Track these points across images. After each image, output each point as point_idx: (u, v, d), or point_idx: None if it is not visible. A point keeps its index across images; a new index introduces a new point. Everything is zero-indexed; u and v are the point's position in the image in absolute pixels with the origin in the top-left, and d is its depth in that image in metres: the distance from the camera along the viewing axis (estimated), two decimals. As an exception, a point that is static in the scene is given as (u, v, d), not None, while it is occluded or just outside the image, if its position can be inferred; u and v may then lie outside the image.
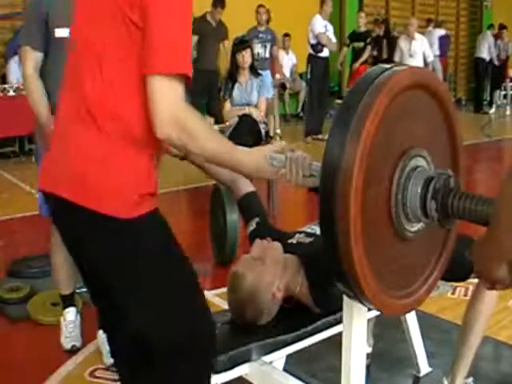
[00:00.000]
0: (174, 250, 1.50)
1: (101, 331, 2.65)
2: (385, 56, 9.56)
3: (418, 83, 1.28)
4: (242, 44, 4.75)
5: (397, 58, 8.63)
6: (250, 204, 2.11)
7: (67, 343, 2.73)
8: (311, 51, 8.40)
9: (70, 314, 2.79)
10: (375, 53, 9.53)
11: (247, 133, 4.49)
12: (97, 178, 1.39)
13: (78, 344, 2.74)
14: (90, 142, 1.40)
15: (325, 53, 8.36)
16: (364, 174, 1.15)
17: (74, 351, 2.72)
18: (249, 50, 4.73)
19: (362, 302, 1.29)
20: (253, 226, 2.06)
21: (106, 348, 2.61)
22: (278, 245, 1.89)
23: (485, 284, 1.16)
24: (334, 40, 8.50)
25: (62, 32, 2.41)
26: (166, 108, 1.32)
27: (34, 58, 2.45)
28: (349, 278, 1.22)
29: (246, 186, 2.12)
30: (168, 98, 1.32)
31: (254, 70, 4.80)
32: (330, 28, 8.46)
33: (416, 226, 1.30)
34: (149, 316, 1.45)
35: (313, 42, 8.32)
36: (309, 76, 8.63)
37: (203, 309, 1.55)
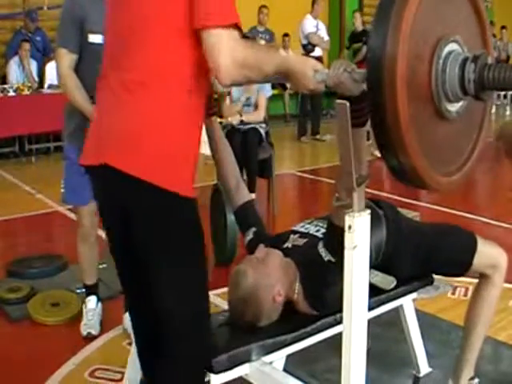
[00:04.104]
0: (202, 241, 1.57)
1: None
2: None
3: None
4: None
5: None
6: (247, 213, 2.12)
7: (84, 330, 2.85)
8: (303, 51, 8.41)
9: (91, 302, 2.94)
10: None
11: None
12: (154, 149, 1.42)
13: (94, 332, 2.85)
14: (145, 110, 1.44)
15: (317, 52, 8.35)
16: (407, 58, 1.25)
17: (89, 338, 2.83)
18: None
19: (410, 180, 1.37)
20: (250, 235, 2.06)
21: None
22: (279, 253, 1.91)
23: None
24: (326, 38, 8.49)
25: (95, 38, 2.51)
26: (229, 56, 1.36)
27: (69, 59, 2.56)
28: (399, 154, 1.31)
29: (246, 195, 2.13)
30: (228, 46, 1.36)
31: None
32: (322, 27, 8.45)
33: (456, 106, 1.40)
34: (174, 295, 1.51)
35: (304, 42, 8.32)
36: None
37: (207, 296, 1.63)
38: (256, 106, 4.82)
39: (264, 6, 8.33)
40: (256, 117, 4.71)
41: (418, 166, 1.33)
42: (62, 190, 2.81)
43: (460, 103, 1.41)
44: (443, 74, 1.34)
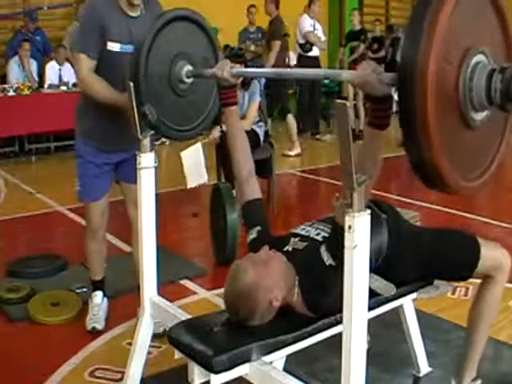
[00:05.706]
0: None
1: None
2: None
3: None
4: (236, 58, 4.23)
5: (398, 58, 8.57)
6: (254, 210, 2.10)
7: (89, 324, 2.89)
8: (300, 51, 8.38)
9: (97, 297, 2.98)
10: (382, 53, 9.41)
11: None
12: None
13: (99, 326, 2.88)
14: None
15: (314, 52, 8.32)
16: (437, 59, 1.31)
17: (90, 336, 2.84)
18: (242, 67, 4.36)
19: (431, 178, 1.42)
20: (253, 234, 2.04)
21: None
22: (282, 257, 1.91)
23: None
24: (323, 38, 8.48)
25: (114, 46, 2.57)
26: None
27: (89, 65, 2.59)
28: (423, 149, 1.36)
29: (256, 192, 2.11)
30: None
31: (244, 85, 4.59)
32: (319, 27, 8.43)
33: (481, 115, 1.46)
34: None
35: (301, 41, 8.30)
36: None
37: None
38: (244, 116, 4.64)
39: (252, 6, 8.36)
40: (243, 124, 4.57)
41: (441, 164, 1.37)
42: (78, 188, 2.82)
43: (484, 113, 1.46)
44: (470, 82, 1.39)
